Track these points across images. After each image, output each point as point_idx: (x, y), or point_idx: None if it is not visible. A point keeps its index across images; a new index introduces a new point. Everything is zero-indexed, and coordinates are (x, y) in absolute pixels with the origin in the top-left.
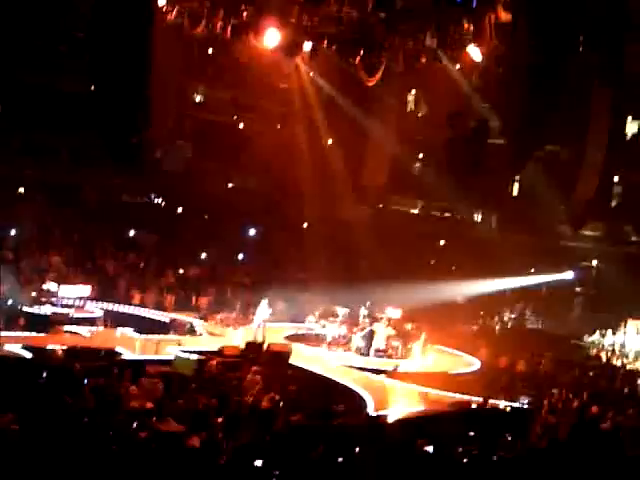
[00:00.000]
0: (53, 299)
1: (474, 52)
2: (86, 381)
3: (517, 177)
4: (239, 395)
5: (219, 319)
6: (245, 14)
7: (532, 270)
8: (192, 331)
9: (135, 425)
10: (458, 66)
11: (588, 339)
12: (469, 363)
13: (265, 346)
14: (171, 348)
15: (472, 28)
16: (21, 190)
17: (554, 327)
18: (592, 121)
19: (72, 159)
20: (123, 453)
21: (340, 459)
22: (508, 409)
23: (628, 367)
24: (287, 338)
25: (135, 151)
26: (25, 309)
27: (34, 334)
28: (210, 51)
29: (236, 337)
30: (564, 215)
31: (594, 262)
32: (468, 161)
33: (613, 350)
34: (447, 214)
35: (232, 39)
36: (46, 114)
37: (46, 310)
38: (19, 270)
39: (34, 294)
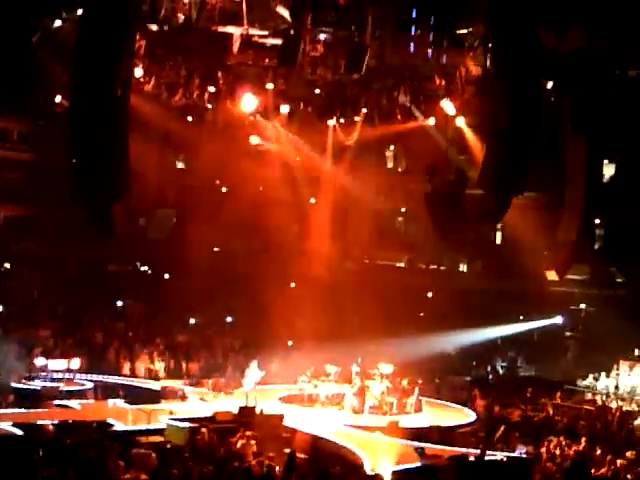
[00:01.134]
0: (42, 374)
1: (447, 106)
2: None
3: (499, 225)
4: (234, 461)
5: (210, 384)
6: (221, 82)
7: (521, 317)
8: (184, 398)
9: None
10: (433, 120)
11: (582, 383)
12: (464, 415)
13: (258, 410)
14: (163, 417)
15: (444, 83)
16: (6, 265)
17: (547, 373)
18: (569, 165)
19: (56, 232)
20: None
21: None
22: (506, 460)
23: (624, 409)
24: (280, 400)
25: (116, 219)
26: (14, 385)
27: (24, 410)
28: (189, 118)
29: (228, 402)
30: (549, 260)
31: (582, 305)
32: (449, 213)
33: (607, 393)
34: (433, 266)
35: (210, 106)
36: (28, 189)
37: (36, 385)
38: (7, 346)
39: (23, 369)
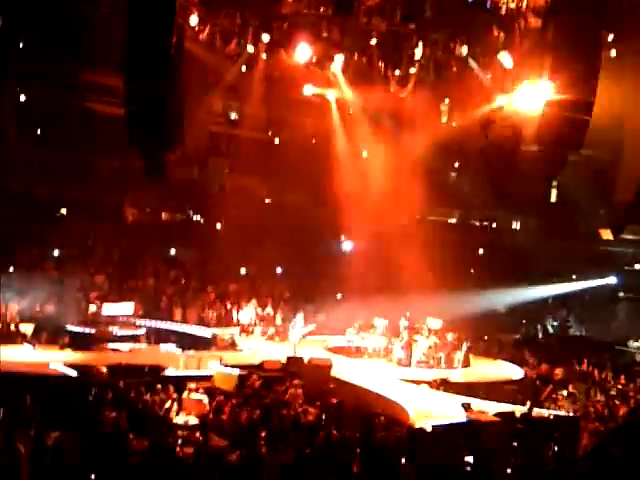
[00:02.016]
0: (97, 317)
1: (505, 58)
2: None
3: (555, 183)
4: (281, 409)
5: (260, 333)
6: (276, 31)
7: (574, 276)
8: (233, 346)
9: (180, 440)
10: (489, 73)
11: (633, 344)
12: (512, 372)
13: (306, 360)
14: (213, 364)
15: (501, 35)
16: (63, 211)
17: (598, 333)
18: (628, 125)
19: (112, 179)
20: (167, 468)
21: (382, 472)
22: (553, 418)
23: None
24: (328, 351)
25: (170, 168)
26: (69, 328)
27: (79, 352)
28: (244, 69)
29: (277, 351)
30: (604, 220)
31: (637, 266)
32: (503, 168)
33: None
34: (485, 223)
35: (264, 55)
36: (86, 136)
37: (90, 328)
38: (63, 289)
39: (78, 313)
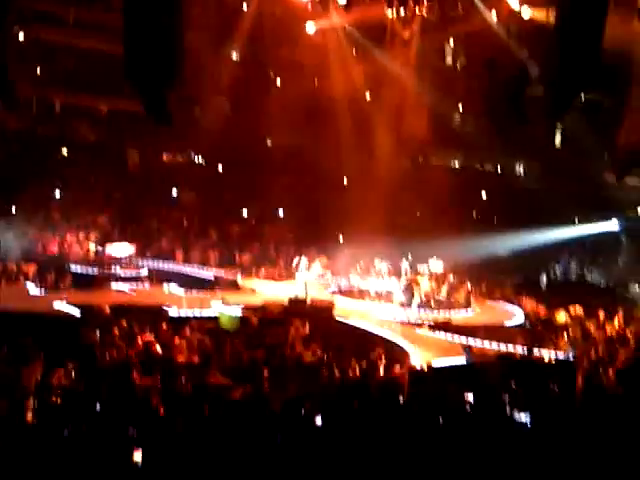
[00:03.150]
0: (99, 258)
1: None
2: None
3: (559, 126)
4: (284, 349)
5: (262, 275)
6: None
7: (576, 220)
8: (235, 287)
9: (182, 378)
10: (496, 14)
11: (634, 289)
12: (513, 315)
13: (308, 301)
14: (215, 304)
15: None
16: (64, 151)
17: (600, 277)
18: (634, 66)
19: (112, 119)
20: (171, 406)
21: (382, 411)
22: (553, 360)
23: None
24: (330, 293)
25: (172, 108)
26: (72, 268)
27: (81, 292)
28: (245, 7)
29: (279, 292)
30: (608, 164)
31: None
32: (508, 111)
33: None
34: (489, 166)
35: None
36: (85, 75)
37: (92, 269)
38: (65, 230)
39: (80, 253)
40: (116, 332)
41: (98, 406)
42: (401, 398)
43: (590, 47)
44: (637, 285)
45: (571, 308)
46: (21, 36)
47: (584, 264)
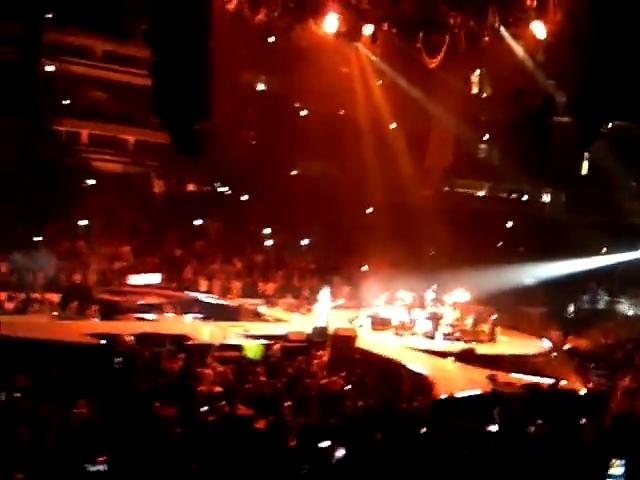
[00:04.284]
0: (123, 287)
1: (537, 28)
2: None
3: (586, 155)
4: (306, 379)
5: (285, 305)
6: (304, 0)
7: (605, 250)
8: (259, 317)
9: (205, 409)
10: (522, 44)
11: None
12: (539, 345)
13: (331, 330)
14: (238, 334)
15: (535, 4)
16: (91, 182)
17: (628, 307)
18: None
19: (138, 149)
20: (193, 436)
21: (405, 441)
22: (581, 392)
23: None
24: (353, 323)
25: (199, 140)
26: (97, 297)
27: (105, 322)
28: (271, 39)
29: (302, 322)
30: (635, 192)
31: None
32: (534, 140)
33: None
34: (514, 195)
35: (292, 26)
36: (112, 107)
37: (117, 298)
38: (90, 259)
39: (105, 282)
40: (140, 362)
41: (119, 437)
42: (424, 429)
43: (617, 76)
44: None
45: (599, 338)
46: (50, 68)
47: (612, 294)
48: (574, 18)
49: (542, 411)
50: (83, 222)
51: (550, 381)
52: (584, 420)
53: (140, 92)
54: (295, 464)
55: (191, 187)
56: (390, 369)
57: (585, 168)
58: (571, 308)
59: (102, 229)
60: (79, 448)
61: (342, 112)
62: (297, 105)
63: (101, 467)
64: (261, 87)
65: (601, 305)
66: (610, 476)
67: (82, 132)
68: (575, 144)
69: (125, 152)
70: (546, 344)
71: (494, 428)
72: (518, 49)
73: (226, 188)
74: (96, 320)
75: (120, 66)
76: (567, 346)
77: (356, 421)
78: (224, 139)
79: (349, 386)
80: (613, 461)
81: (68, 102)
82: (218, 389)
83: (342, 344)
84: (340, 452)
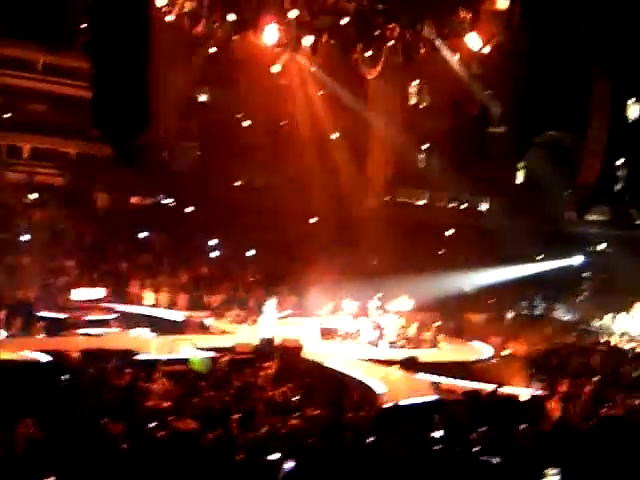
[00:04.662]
0: (68, 303)
1: (473, 40)
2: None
3: (521, 164)
4: (254, 391)
5: (232, 317)
6: (244, 11)
7: (540, 257)
8: (205, 329)
9: (152, 424)
10: (458, 55)
11: (597, 323)
12: (480, 352)
13: (277, 342)
14: (185, 347)
15: (469, 16)
16: (33, 196)
17: (564, 313)
18: (593, 106)
19: (81, 162)
20: (141, 452)
21: (351, 451)
22: (520, 397)
23: (637, 350)
24: (299, 333)
25: (141, 152)
26: (41, 313)
27: (50, 338)
28: (212, 50)
29: (249, 334)
30: (570, 201)
31: (602, 246)
32: (471, 150)
33: (622, 334)
34: (453, 204)
35: (232, 37)
36: (54, 119)
37: (61, 314)
38: (34, 275)
39: (49, 298)
40: (86, 378)
41: (66, 455)
42: (372, 438)
43: (550, 87)
44: (600, 319)
45: (537, 344)
46: None
47: (548, 299)
48: (509, 30)
49: (484, 417)
50: (26, 237)
51: (491, 387)
52: (523, 426)
53: (81, 104)
54: (244, 478)
55: (135, 200)
56: (337, 379)
57: (520, 177)
58: (510, 314)
59: (45, 244)
60: (25, 469)
61: (284, 123)
62: (239, 116)
63: None
64: (203, 98)
65: (538, 311)
66: None
67: (23, 146)
68: (510, 153)
69: (67, 165)
70: (487, 350)
71: (438, 434)
72: (454, 61)
73: (170, 200)
74: (41, 337)
75: (60, 78)
76: (507, 352)
77: (304, 432)
78: (167, 151)
79: (297, 397)
80: (547, 470)
81: (8, 115)
82: (166, 404)
83: (289, 355)
84: (289, 464)
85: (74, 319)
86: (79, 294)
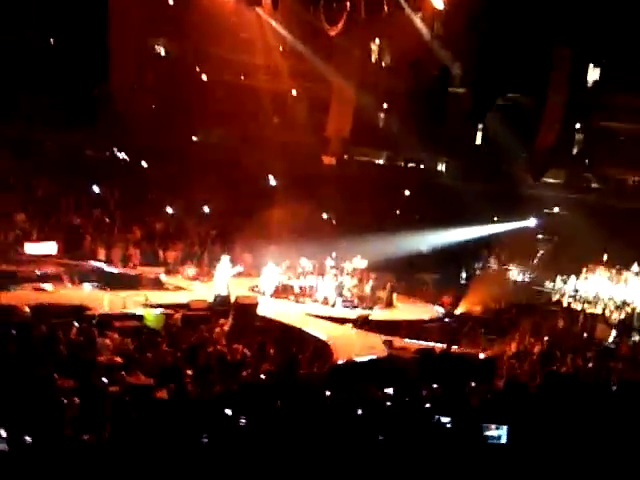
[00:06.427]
0: (19, 256)
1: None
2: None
3: (480, 126)
4: (208, 347)
5: (186, 273)
6: None
7: (496, 218)
8: (159, 285)
9: (105, 379)
10: (420, 14)
11: (550, 285)
12: (433, 311)
13: (232, 298)
14: (139, 303)
15: None
16: None
17: (517, 274)
18: (553, 69)
19: (33, 113)
20: (93, 407)
21: (304, 407)
22: (472, 356)
23: (587, 311)
24: (254, 290)
25: (95, 104)
26: None
27: (1, 292)
28: (171, 2)
29: (203, 291)
30: (526, 163)
31: (556, 209)
32: (431, 110)
33: (574, 296)
34: (412, 164)
35: None
36: (5, 69)
37: (12, 267)
38: None
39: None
40: (37, 333)
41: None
42: (323, 393)
43: (511, 49)
44: (552, 281)
45: (488, 304)
46: None
47: (502, 261)
48: None
49: (435, 375)
50: None
51: (443, 346)
52: (473, 384)
53: (35, 54)
54: (196, 433)
55: (88, 152)
56: (291, 336)
57: (479, 138)
58: (463, 274)
59: None
60: None
61: (243, 78)
62: (198, 70)
63: (1, 446)
64: (161, 51)
65: (491, 272)
66: (489, 437)
67: None
68: (470, 115)
69: (20, 115)
70: (440, 310)
71: (390, 391)
72: (417, 20)
73: (125, 155)
74: None
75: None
76: (459, 311)
77: (257, 388)
78: (122, 104)
79: (249, 354)
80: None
81: None
82: (118, 359)
83: (244, 312)
84: (241, 420)
85: (25, 273)
86: (31, 248)
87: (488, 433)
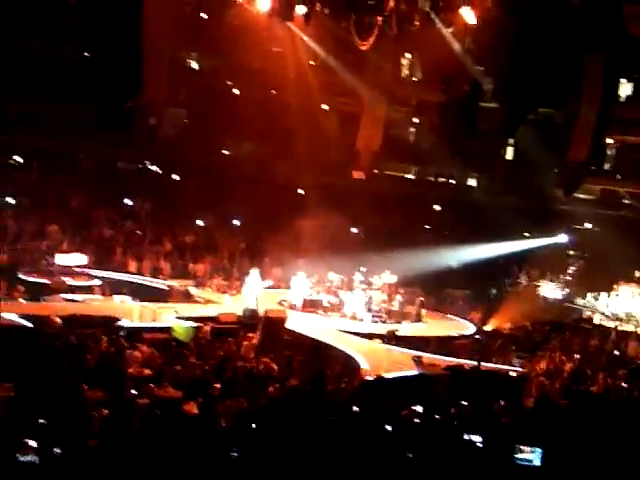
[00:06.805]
0: (51, 268)
1: (467, 14)
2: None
3: (511, 141)
4: (236, 361)
5: (215, 286)
6: None
7: (526, 234)
8: (189, 298)
9: (134, 391)
10: (451, 29)
11: (581, 301)
12: (463, 327)
13: (261, 312)
14: (168, 315)
15: None
16: (17, 158)
17: (548, 291)
18: (585, 83)
19: (67, 126)
20: (122, 419)
21: (332, 423)
22: (502, 373)
23: (619, 329)
24: (282, 304)
25: (128, 118)
26: (23, 277)
27: (32, 303)
28: (204, 16)
29: (233, 304)
30: (558, 178)
31: (588, 225)
32: (462, 125)
33: (605, 313)
34: (442, 179)
35: (225, 4)
36: (40, 81)
37: (44, 278)
38: (17, 239)
39: (32, 262)
40: (67, 344)
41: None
42: (351, 409)
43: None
44: (584, 298)
45: (518, 321)
46: None
47: (533, 277)
48: (502, 5)
49: (464, 392)
50: (10, 199)
51: (473, 363)
52: (502, 402)
53: (69, 65)
54: (226, 446)
55: (120, 165)
56: (319, 351)
57: (510, 153)
58: (493, 291)
59: (29, 207)
60: (6, 435)
61: (274, 92)
62: (229, 84)
63: (31, 458)
64: (194, 65)
65: (522, 288)
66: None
67: (7, 107)
68: (501, 129)
69: (52, 127)
70: (470, 326)
71: (419, 409)
72: (448, 35)
73: (156, 167)
74: (22, 301)
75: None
76: (489, 328)
77: (285, 403)
78: (155, 117)
79: (277, 368)
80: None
81: None
82: (147, 371)
83: (272, 326)
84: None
85: (57, 284)
86: (63, 259)
87: (521, 456)
